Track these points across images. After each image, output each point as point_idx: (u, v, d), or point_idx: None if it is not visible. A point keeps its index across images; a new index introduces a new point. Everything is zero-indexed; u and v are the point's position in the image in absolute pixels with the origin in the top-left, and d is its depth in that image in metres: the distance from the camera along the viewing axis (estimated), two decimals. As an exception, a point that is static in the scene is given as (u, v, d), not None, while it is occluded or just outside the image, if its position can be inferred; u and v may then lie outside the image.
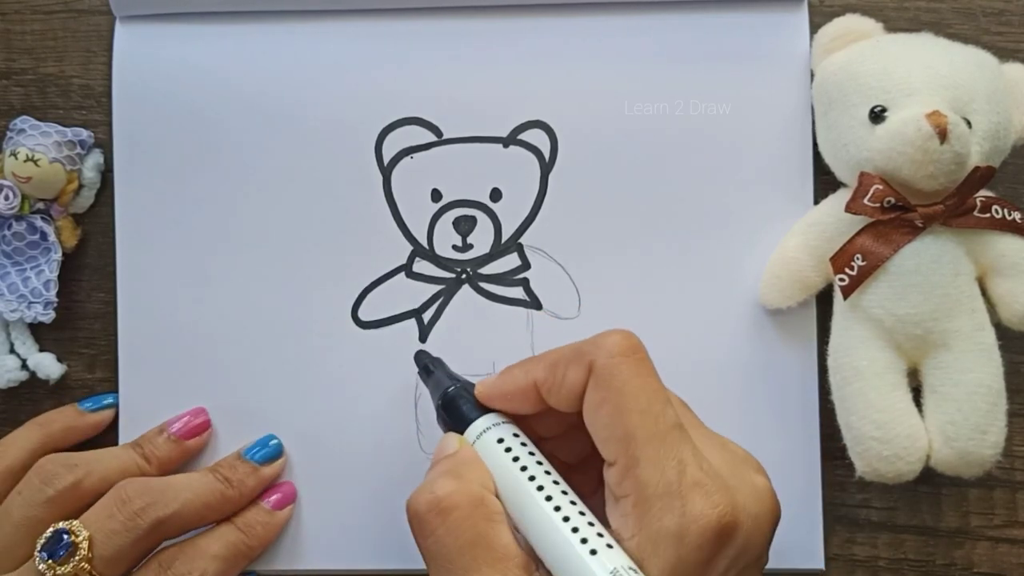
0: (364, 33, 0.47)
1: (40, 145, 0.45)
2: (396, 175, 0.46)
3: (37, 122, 0.46)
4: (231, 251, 0.46)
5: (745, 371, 0.45)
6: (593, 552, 0.32)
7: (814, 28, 0.45)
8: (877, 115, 0.41)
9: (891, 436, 0.41)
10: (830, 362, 0.43)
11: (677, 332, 0.45)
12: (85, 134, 0.47)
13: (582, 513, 0.34)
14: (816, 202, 0.45)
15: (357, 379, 0.46)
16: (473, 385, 0.39)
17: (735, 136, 0.45)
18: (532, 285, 0.46)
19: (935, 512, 0.46)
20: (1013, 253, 0.42)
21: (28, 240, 0.46)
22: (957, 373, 0.41)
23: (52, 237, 0.46)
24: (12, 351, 0.47)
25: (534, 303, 0.46)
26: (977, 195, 0.41)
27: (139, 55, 0.47)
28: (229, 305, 0.46)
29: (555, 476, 0.36)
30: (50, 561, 0.39)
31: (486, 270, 0.46)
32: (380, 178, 0.46)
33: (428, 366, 0.42)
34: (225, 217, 0.46)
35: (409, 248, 0.46)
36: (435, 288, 0.46)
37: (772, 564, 0.43)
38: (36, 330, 0.47)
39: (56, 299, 0.46)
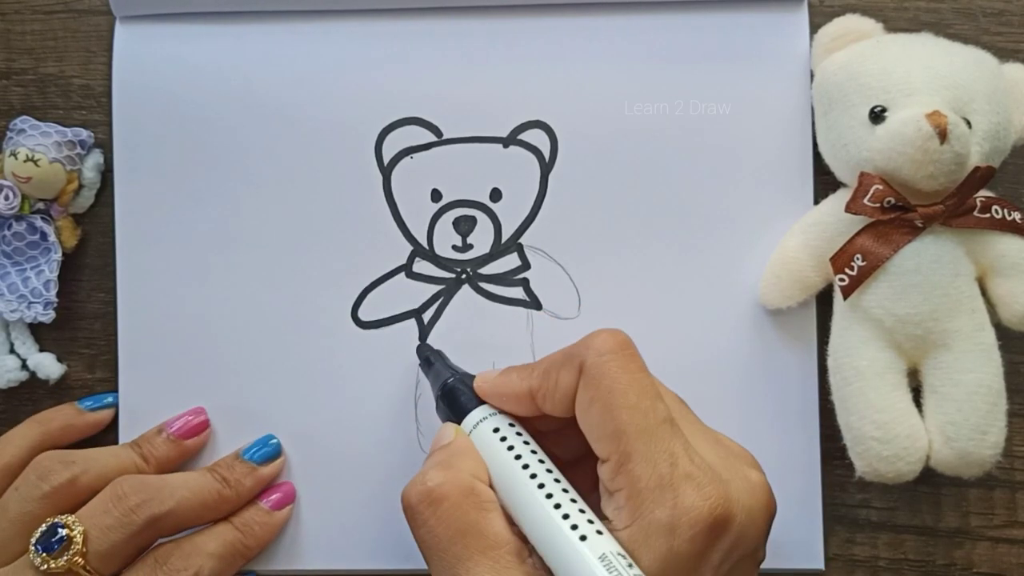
0: (364, 33, 0.47)
1: (40, 145, 0.45)
2: (396, 175, 0.46)
3: (37, 122, 0.46)
4: (231, 251, 0.46)
5: (745, 371, 0.45)
6: (583, 538, 0.33)
7: (814, 28, 0.45)
8: (877, 115, 0.41)
9: (891, 436, 0.41)
10: (830, 362, 0.43)
11: (677, 332, 0.45)
12: (85, 134, 0.47)
13: (573, 500, 0.34)
14: (816, 202, 0.45)
15: (357, 379, 0.46)
16: (472, 377, 0.40)
17: (735, 136, 0.45)
18: (532, 285, 0.46)
19: (935, 512, 0.46)
20: (1013, 253, 0.42)
21: (28, 240, 0.46)
22: (957, 373, 0.41)
23: (52, 237, 0.46)
24: (12, 351, 0.47)
25: (534, 303, 0.46)
26: (977, 195, 0.41)
27: (139, 55, 0.47)
28: (229, 305, 0.46)
29: (549, 465, 0.36)
30: (44, 555, 0.39)
31: (486, 270, 0.46)
32: (380, 178, 0.46)
33: (429, 358, 0.43)
34: (225, 217, 0.46)
35: (409, 248, 0.46)
36: (435, 288, 0.46)
37: (772, 564, 0.44)
38: (36, 330, 0.47)
39: (56, 299, 0.46)
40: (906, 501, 0.46)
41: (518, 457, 0.36)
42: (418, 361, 0.45)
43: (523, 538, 0.35)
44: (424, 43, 0.46)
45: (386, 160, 0.46)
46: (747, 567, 0.35)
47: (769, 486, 0.36)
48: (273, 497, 0.45)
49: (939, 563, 0.46)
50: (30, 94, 0.48)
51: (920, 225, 0.41)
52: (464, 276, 0.46)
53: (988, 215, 0.41)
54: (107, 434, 0.46)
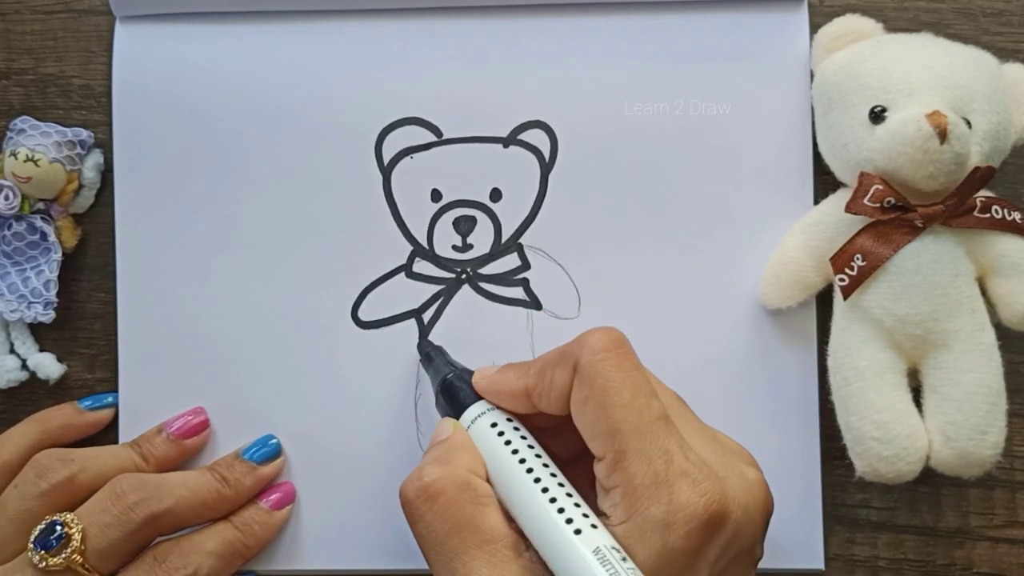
0: (364, 33, 0.47)
1: (40, 145, 0.45)
2: (396, 175, 0.46)
3: (37, 122, 0.46)
4: (231, 251, 0.46)
5: (745, 371, 0.45)
6: (578, 532, 0.33)
7: (814, 28, 0.45)
8: (877, 115, 0.41)
9: (891, 436, 0.41)
10: (830, 362, 0.43)
11: (677, 332, 0.45)
12: (85, 134, 0.47)
13: (569, 495, 0.35)
14: (816, 202, 0.45)
15: (357, 379, 0.46)
16: (472, 373, 0.40)
17: (735, 136, 0.45)
18: (532, 285, 0.46)
19: (935, 512, 0.46)
20: (1013, 253, 0.42)
21: (28, 240, 0.46)
22: (957, 373, 0.41)
23: (52, 237, 0.46)
24: (12, 351, 0.47)
25: (534, 303, 0.46)
26: (977, 195, 0.41)
27: (139, 55, 0.47)
28: (229, 305, 0.46)
29: (546, 460, 0.36)
30: (43, 552, 0.39)
31: (486, 270, 0.46)
32: (380, 178, 0.46)
33: (430, 353, 0.43)
34: (225, 217, 0.46)
35: (409, 248, 0.46)
36: (435, 288, 0.46)
37: (772, 564, 0.44)
38: (36, 330, 0.47)
39: (56, 299, 0.46)
40: (906, 501, 0.46)
41: (515, 452, 0.36)
42: (418, 358, 0.45)
43: (520, 533, 0.35)
44: (424, 43, 0.46)
45: (386, 160, 0.46)
46: (744, 564, 0.35)
47: (766, 483, 0.36)
48: (273, 497, 0.45)
49: (939, 563, 0.46)
50: (30, 94, 0.48)
51: (920, 225, 0.41)
52: (464, 276, 0.46)
53: (988, 215, 0.41)
54: (107, 434, 0.46)
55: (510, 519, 0.36)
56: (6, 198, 0.45)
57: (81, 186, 0.47)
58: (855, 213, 0.41)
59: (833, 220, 0.43)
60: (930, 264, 0.41)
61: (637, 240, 0.45)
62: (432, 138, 0.46)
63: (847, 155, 0.42)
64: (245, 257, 0.46)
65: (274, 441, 0.45)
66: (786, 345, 0.45)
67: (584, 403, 0.35)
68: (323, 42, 0.47)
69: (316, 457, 0.45)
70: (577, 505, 0.34)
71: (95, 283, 0.48)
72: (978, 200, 0.41)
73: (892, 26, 0.46)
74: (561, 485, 0.35)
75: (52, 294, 0.46)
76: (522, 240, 0.46)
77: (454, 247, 0.46)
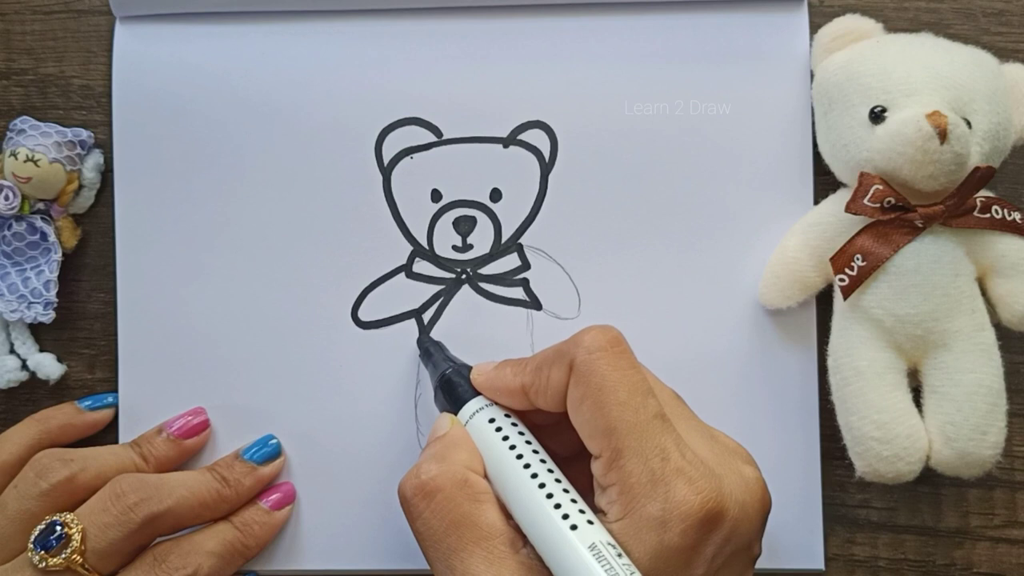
0: (364, 33, 0.47)
1: (40, 145, 0.45)
2: (396, 175, 0.46)
3: (37, 122, 0.46)
4: (231, 251, 0.46)
5: (745, 371, 0.45)
6: (574, 528, 0.33)
7: (814, 28, 0.45)
8: (877, 115, 0.41)
9: (891, 436, 0.41)
10: (830, 362, 0.43)
11: (677, 332, 0.45)
12: (85, 134, 0.47)
13: (566, 491, 0.35)
14: (816, 202, 0.45)
15: (357, 379, 0.46)
16: (470, 368, 0.40)
17: (735, 136, 0.45)
18: (532, 285, 0.46)
19: (935, 512, 0.46)
20: (1013, 253, 0.42)
21: (28, 240, 0.46)
22: (957, 373, 0.41)
23: (52, 237, 0.46)
24: (12, 351, 0.47)
25: (534, 303, 0.46)
26: (977, 195, 0.41)
27: (139, 55, 0.47)
28: (229, 305, 0.46)
29: (543, 455, 0.36)
30: (43, 552, 0.39)
31: (486, 270, 0.46)
32: (380, 178, 0.46)
33: (429, 349, 0.43)
34: (225, 217, 0.46)
35: (409, 248, 0.46)
36: (435, 288, 0.46)
37: (772, 564, 0.44)
38: (36, 330, 0.47)
39: (56, 299, 0.46)
40: (906, 501, 0.46)
41: (512, 447, 0.36)
42: (418, 354, 0.45)
43: (518, 530, 0.35)
44: (424, 43, 0.46)
45: (386, 160, 0.46)
46: (742, 562, 0.35)
47: (763, 481, 0.36)
48: (273, 497, 0.45)
49: (939, 563, 0.46)
50: (30, 94, 0.48)
51: (920, 225, 0.41)
52: (464, 276, 0.46)
53: (988, 215, 0.41)
54: (107, 434, 0.46)
55: (507, 515, 0.36)
56: (6, 198, 0.45)
57: (81, 186, 0.47)
58: (855, 213, 0.41)
59: (833, 220, 0.43)
60: (930, 264, 0.41)
61: (637, 240, 0.45)
62: (432, 138, 0.46)
63: (847, 155, 0.42)
64: (245, 257, 0.46)
65: (274, 441, 0.45)
66: (786, 345, 0.45)
67: (580, 401, 0.35)
68: (323, 42, 0.47)
69: (316, 457, 0.45)
70: (574, 501, 0.34)
71: (95, 283, 0.48)
72: (978, 200, 0.41)
73: (892, 26, 0.46)
74: (558, 481, 0.35)
75: (52, 294, 0.46)
76: (522, 240, 0.46)
77: (454, 247, 0.46)
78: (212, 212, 0.46)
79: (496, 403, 0.39)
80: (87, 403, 0.46)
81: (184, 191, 0.46)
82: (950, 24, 0.47)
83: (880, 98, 0.41)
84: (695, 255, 0.45)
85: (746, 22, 0.46)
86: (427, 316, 0.46)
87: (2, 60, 0.48)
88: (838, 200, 0.43)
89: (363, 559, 0.45)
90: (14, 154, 0.45)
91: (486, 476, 0.37)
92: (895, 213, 0.41)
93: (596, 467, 0.35)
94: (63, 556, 0.39)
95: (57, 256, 0.46)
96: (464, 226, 0.46)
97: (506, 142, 0.46)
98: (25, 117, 0.47)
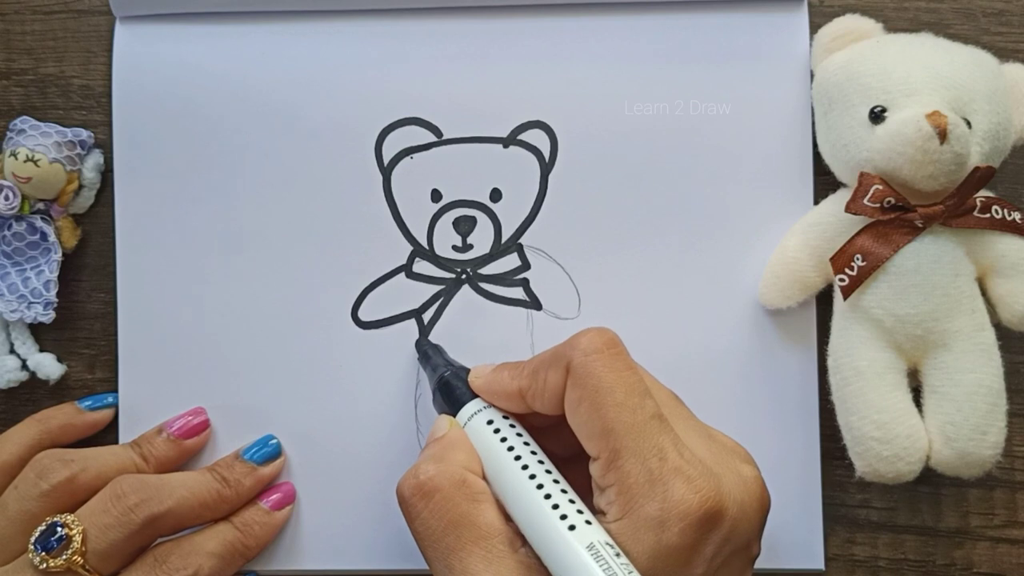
0: (364, 33, 0.47)
1: (40, 145, 0.45)
2: (396, 175, 0.46)
3: (37, 122, 0.46)
4: (231, 251, 0.46)
5: (745, 371, 0.45)
6: (572, 528, 0.33)
7: (814, 28, 0.45)
8: (877, 115, 0.41)
9: (891, 436, 0.41)
10: (830, 362, 0.43)
11: (677, 332, 0.45)
12: (85, 134, 0.47)
13: (564, 491, 0.35)
14: (816, 202, 0.45)
15: (357, 379, 0.46)
16: (468, 371, 0.40)
17: (735, 136, 0.45)
18: (532, 285, 0.46)
19: (935, 512, 0.46)
20: (1013, 253, 0.42)
21: (28, 240, 0.46)
22: (957, 373, 0.41)
23: (52, 237, 0.46)
24: (12, 351, 0.47)
25: (534, 303, 0.46)
26: (977, 195, 0.41)
27: (139, 55, 0.47)
28: (229, 305, 0.46)
29: (541, 456, 0.36)
30: (43, 554, 0.39)
31: (486, 270, 0.46)
32: (380, 178, 0.46)
33: (427, 351, 0.44)
34: (225, 217, 0.46)
35: (409, 248, 0.46)
36: (435, 288, 0.46)
37: (772, 564, 0.44)
38: (36, 330, 0.47)
39: (56, 299, 0.46)
40: (906, 501, 0.46)
41: (511, 449, 0.37)
42: (417, 357, 0.45)
43: (516, 530, 0.35)
44: (424, 43, 0.46)
45: (386, 160, 0.46)
46: (741, 561, 0.35)
47: (762, 480, 0.36)
48: (273, 497, 0.45)
49: (939, 563, 0.46)
50: (30, 94, 0.48)
51: (920, 225, 0.41)
52: (464, 276, 0.46)
53: (988, 215, 0.41)
54: (107, 434, 0.46)
55: (506, 516, 0.36)
56: (6, 198, 0.45)
57: (81, 186, 0.47)
58: (855, 213, 0.41)
59: (833, 220, 0.43)
60: (930, 264, 0.41)
61: (637, 240, 0.45)
62: (432, 138, 0.46)
63: (847, 155, 0.42)
64: (245, 257, 0.46)
65: (274, 441, 0.45)
66: (786, 345, 0.45)
67: (577, 403, 0.36)
68: (323, 42, 0.47)
69: (316, 457, 0.45)
70: (572, 502, 0.34)
71: (95, 283, 0.48)
72: (978, 200, 0.41)
73: (892, 26, 0.46)
74: (556, 482, 0.35)
75: (52, 294, 0.46)
76: (522, 240, 0.46)
77: (454, 247, 0.46)
78: (212, 212, 0.46)
79: (494, 405, 0.39)
80: (87, 403, 0.46)
81: (184, 191, 0.46)
82: (950, 24, 0.47)
83: (880, 98, 0.41)
84: (695, 255, 0.45)
85: (746, 22, 0.46)
86: (427, 316, 0.46)
87: (2, 60, 0.48)
88: (838, 200, 0.43)
89: (363, 559, 0.45)
90: (14, 154, 0.45)
91: (484, 477, 0.37)
92: (895, 213, 0.41)
93: (594, 468, 0.35)
94: (64, 557, 0.39)
95: (57, 256, 0.46)
96: (464, 226, 0.46)
97: (506, 142, 0.46)
98: (25, 117, 0.47)
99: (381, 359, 0.46)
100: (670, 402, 0.37)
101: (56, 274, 0.46)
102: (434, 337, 0.46)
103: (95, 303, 0.48)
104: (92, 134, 0.47)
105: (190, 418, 0.45)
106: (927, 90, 0.40)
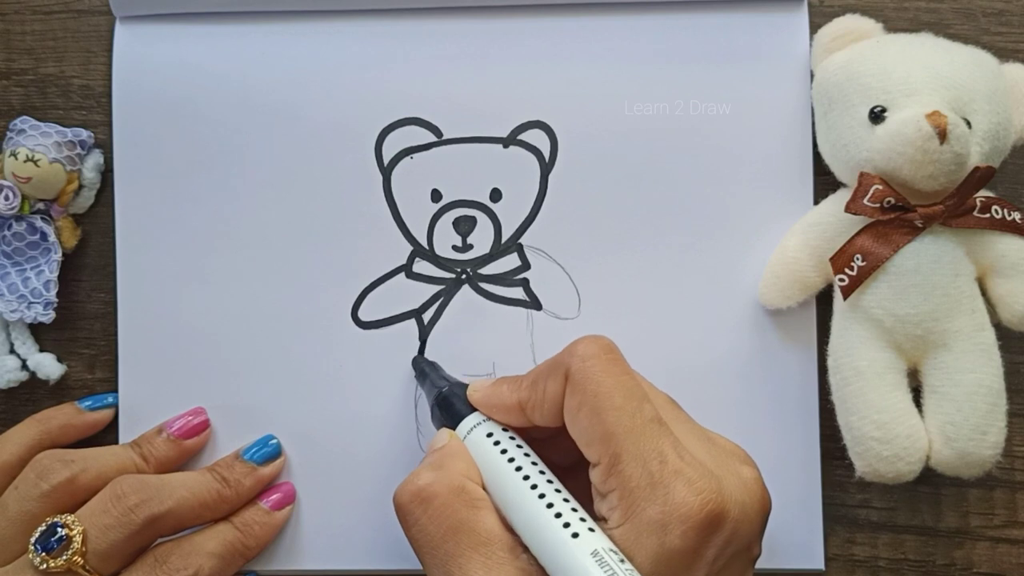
0: (364, 33, 0.47)
1: (40, 145, 0.45)
2: (396, 175, 0.46)
3: (37, 122, 0.46)
4: (231, 251, 0.46)
5: (745, 371, 0.45)
6: (575, 535, 0.33)
7: (814, 28, 0.45)
8: (877, 115, 0.41)
9: (891, 436, 0.41)
10: (830, 362, 0.43)
11: (677, 332, 0.45)
12: (85, 134, 0.47)
13: (566, 500, 0.35)
14: (816, 202, 0.45)
15: (357, 379, 0.46)
16: (465, 386, 0.40)
17: (735, 136, 0.45)
18: (532, 285, 0.46)
19: (935, 512, 0.46)
20: (1013, 253, 0.42)
21: (28, 240, 0.46)
22: (957, 373, 0.41)
23: (52, 237, 0.46)
24: (12, 351, 0.47)
25: (534, 303, 0.46)
26: (977, 195, 0.41)
27: (139, 55, 0.47)
28: (229, 305, 0.46)
29: (542, 467, 0.36)
30: (44, 554, 0.39)
31: (486, 270, 0.46)
32: (380, 178, 0.46)
33: (424, 369, 0.44)
34: (225, 217, 0.46)
35: (409, 248, 0.46)
36: (435, 288, 0.46)
37: (772, 564, 0.44)
38: (36, 330, 0.47)
39: (56, 299, 0.46)
40: (906, 501, 0.46)
41: (511, 460, 0.36)
42: (414, 375, 0.45)
43: (516, 538, 0.35)
44: (424, 43, 0.46)
45: (386, 160, 0.46)
46: (742, 563, 0.35)
47: (763, 482, 0.36)
48: (273, 497, 0.45)
49: (939, 563, 0.46)
50: (30, 94, 0.48)
51: (920, 225, 0.41)
52: (464, 276, 0.46)
53: (988, 215, 0.41)
54: (107, 434, 0.46)
55: (506, 524, 0.35)
56: (6, 198, 0.45)
57: (81, 186, 0.47)
58: (855, 213, 0.41)
59: (833, 220, 0.43)
60: (930, 264, 0.41)
61: (637, 240, 0.45)
62: (432, 138, 0.46)
63: (847, 155, 0.42)
64: (245, 257, 0.46)
65: (274, 441, 0.45)
66: (786, 345, 0.45)
67: (577, 410, 0.35)
68: (323, 42, 0.47)
69: (316, 457, 0.45)
70: (574, 510, 0.34)
71: (95, 283, 0.48)
72: (978, 200, 0.41)
73: (892, 26, 0.46)
74: (558, 491, 0.35)
75: (52, 294, 0.46)
76: (522, 240, 0.46)
77: (454, 247, 0.46)
78: (212, 212, 0.46)
79: (493, 419, 0.39)
80: (87, 403, 0.46)
81: (184, 191, 0.46)
82: (950, 24, 0.47)
83: (880, 98, 0.41)
84: (695, 255, 0.45)
85: (746, 22, 0.46)
86: (427, 316, 0.46)
87: (2, 60, 0.48)
88: (838, 200, 0.43)
89: (363, 559, 0.45)
90: (14, 154, 0.45)
91: (484, 488, 0.37)
92: (895, 213, 0.41)
93: (595, 474, 0.35)
94: (64, 558, 0.39)
95: (57, 256, 0.46)
96: (464, 226, 0.46)
97: (506, 142, 0.46)
98: (25, 117, 0.47)
99: (381, 359, 0.46)
100: (668, 406, 0.37)
101: (56, 274, 0.46)
102: (434, 337, 0.46)
103: (95, 303, 0.48)
104: (92, 134, 0.47)
105: (190, 418, 0.45)
106: (927, 90, 0.40)
